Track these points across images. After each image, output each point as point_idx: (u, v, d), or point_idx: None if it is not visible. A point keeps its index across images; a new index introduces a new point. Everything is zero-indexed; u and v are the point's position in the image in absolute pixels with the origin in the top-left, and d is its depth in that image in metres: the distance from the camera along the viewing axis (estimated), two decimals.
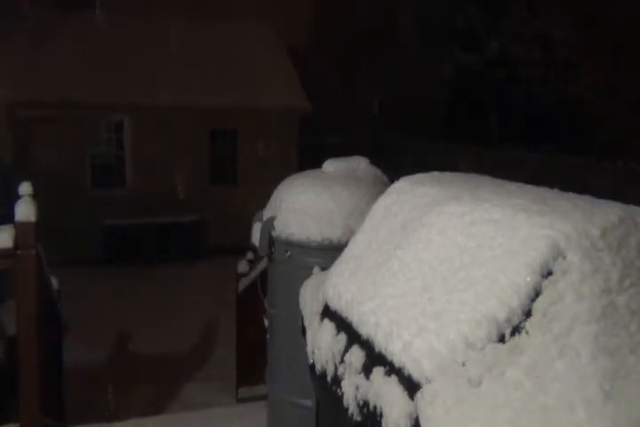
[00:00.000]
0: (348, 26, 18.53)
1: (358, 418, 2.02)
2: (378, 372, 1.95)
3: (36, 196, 3.53)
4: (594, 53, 15.45)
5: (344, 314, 2.31)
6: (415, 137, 15.67)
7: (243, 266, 5.25)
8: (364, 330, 2.12)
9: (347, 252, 2.64)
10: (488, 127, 15.26)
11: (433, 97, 17.40)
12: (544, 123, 15.16)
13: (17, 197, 3.50)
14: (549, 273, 1.74)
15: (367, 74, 18.23)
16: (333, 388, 2.23)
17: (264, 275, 4.08)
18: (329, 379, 2.28)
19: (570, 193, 2.21)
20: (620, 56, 15.14)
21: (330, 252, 3.00)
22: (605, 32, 15.02)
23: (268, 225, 3.46)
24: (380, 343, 1.98)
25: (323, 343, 2.37)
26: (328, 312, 2.47)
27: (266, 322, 3.78)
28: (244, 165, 13.41)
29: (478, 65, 15.77)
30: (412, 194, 2.48)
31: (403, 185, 2.65)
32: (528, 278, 1.73)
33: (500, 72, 15.63)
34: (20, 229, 3.36)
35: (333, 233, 3.26)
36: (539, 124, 15.11)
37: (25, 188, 3.51)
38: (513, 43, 15.57)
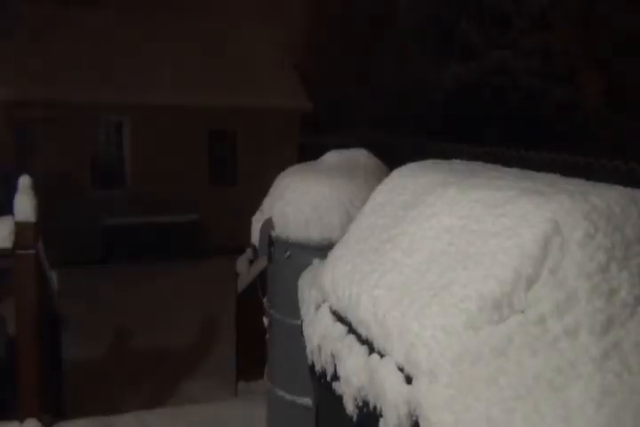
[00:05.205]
0: (348, 25, 18.53)
1: (357, 417, 2.02)
2: (375, 362, 1.94)
3: (35, 188, 3.52)
4: (593, 54, 15.43)
5: (341, 303, 2.29)
6: (415, 137, 15.65)
7: (241, 264, 5.25)
8: (362, 319, 2.10)
9: (346, 236, 2.63)
10: (488, 128, 15.24)
11: (433, 97, 17.38)
12: (544, 123, 15.15)
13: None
14: (549, 251, 1.74)
15: (367, 74, 18.21)
16: (332, 387, 2.22)
17: (263, 275, 4.08)
18: (328, 378, 2.28)
19: (569, 178, 2.22)
20: (620, 57, 15.11)
21: (329, 251, 3.00)
22: (605, 33, 15.01)
23: (268, 225, 3.45)
24: (378, 332, 1.98)
25: (321, 338, 2.35)
26: (325, 300, 2.46)
27: (265, 322, 3.78)
28: (243, 165, 13.40)
29: (478, 72, 15.77)
30: (413, 179, 2.48)
31: (404, 171, 2.65)
32: (527, 257, 1.73)
33: (500, 79, 15.62)
34: (19, 229, 3.35)
35: (333, 232, 3.25)
36: (539, 125, 15.11)
37: (24, 181, 3.49)
38: (513, 53, 15.56)
